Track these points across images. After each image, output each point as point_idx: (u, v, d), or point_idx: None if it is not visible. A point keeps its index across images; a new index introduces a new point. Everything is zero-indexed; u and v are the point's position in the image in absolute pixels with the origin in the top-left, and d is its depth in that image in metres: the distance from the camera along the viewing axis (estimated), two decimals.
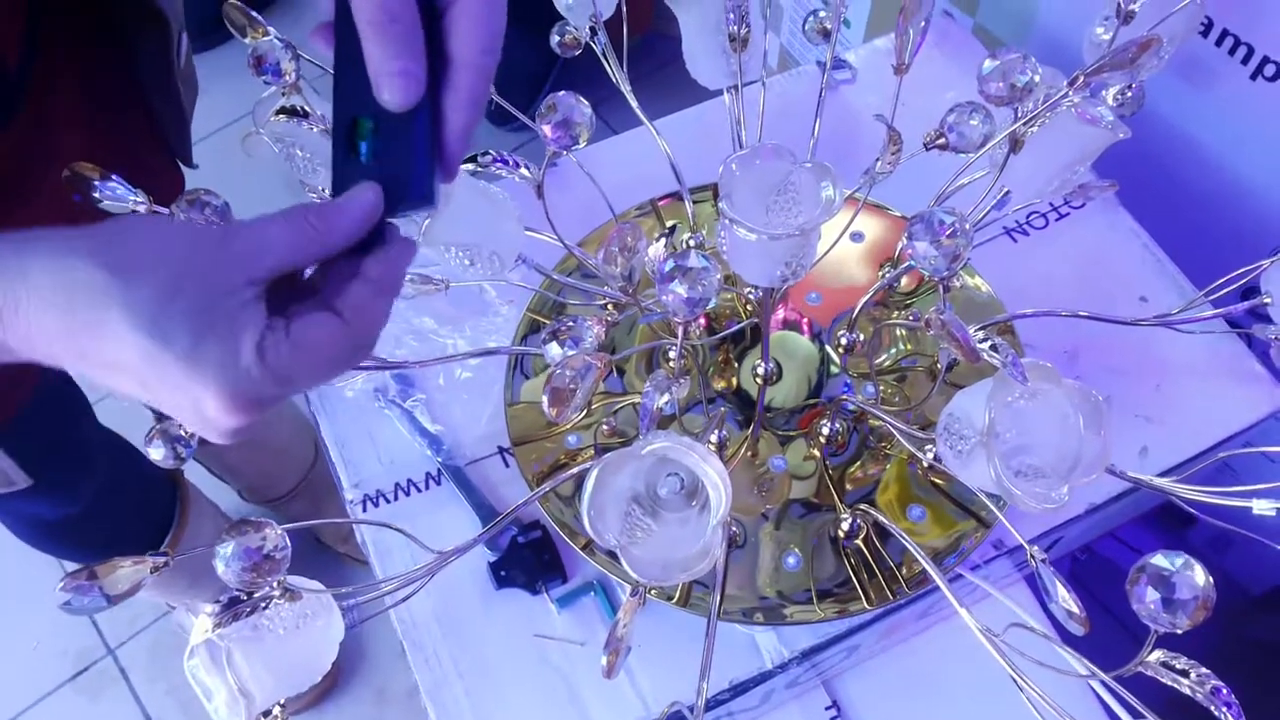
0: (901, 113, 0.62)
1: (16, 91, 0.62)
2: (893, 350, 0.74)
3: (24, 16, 0.61)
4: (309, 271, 0.43)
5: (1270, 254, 0.60)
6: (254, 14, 0.56)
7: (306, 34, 0.46)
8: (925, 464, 0.66)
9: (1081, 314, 0.66)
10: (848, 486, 0.69)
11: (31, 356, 0.39)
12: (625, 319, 0.75)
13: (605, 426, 0.71)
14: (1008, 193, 0.62)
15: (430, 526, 0.72)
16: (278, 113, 0.56)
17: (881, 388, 0.72)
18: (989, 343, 0.50)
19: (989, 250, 0.81)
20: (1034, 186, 0.60)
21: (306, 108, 0.56)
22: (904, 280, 0.75)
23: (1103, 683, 0.44)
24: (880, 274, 0.76)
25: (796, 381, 0.71)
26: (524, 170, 0.61)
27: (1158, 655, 0.42)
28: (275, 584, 0.44)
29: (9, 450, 0.79)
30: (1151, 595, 0.40)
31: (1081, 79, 0.51)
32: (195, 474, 1.25)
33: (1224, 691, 0.41)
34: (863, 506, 0.67)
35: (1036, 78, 0.54)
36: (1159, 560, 0.40)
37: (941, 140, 0.59)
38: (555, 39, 0.66)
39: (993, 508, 0.62)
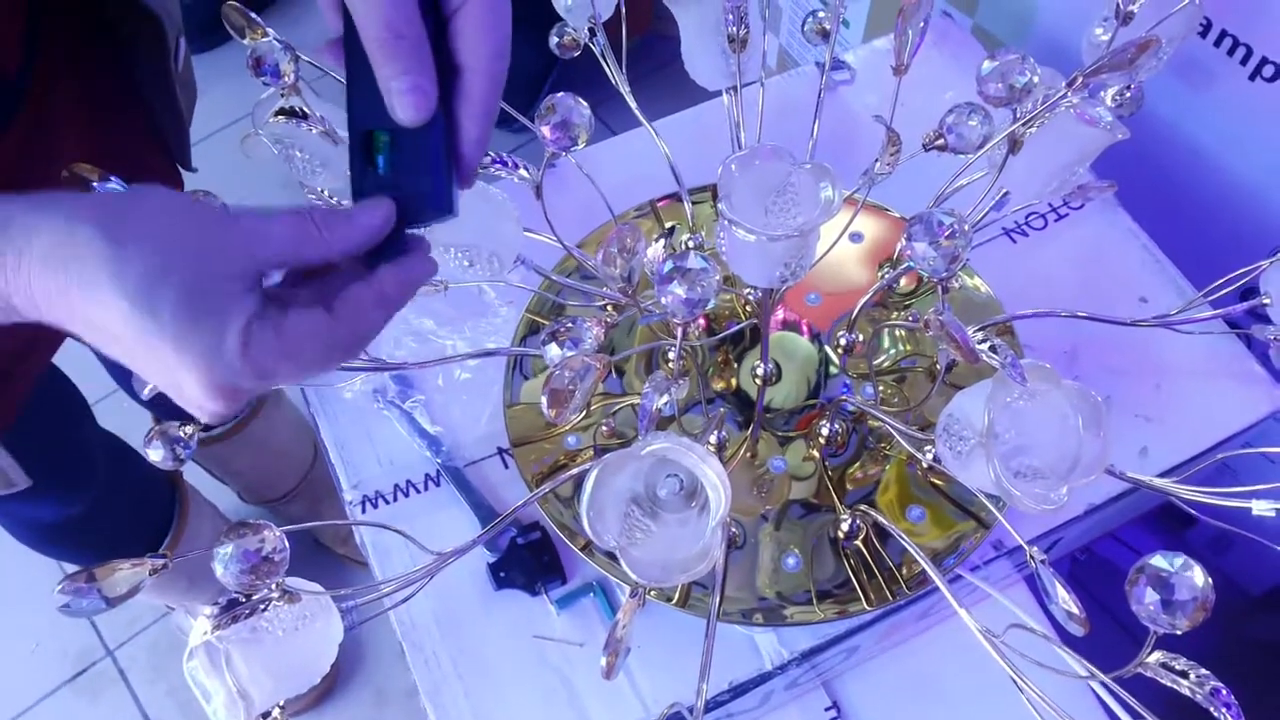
0: (900, 113, 0.62)
1: (17, 93, 0.62)
2: (892, 351, 0.74)
3: (24, 17, 0.61)
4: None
5: (1269, 254, 0.60)
6: (253, 15, 0.55)
7: (306, 35, 0.46)
8: (925, 465, 0.66)
9: (1081, 314, 0.66)
10: (847, 487, 0.69)
11: (38, 316, 0.39)
12: (624, 320, 0.75)
13: (604, 427, 0.71)
14: (1006, 193, 0.62)
15: (429, 528, 0.72)
16: (277, 114, 0.56)
17: (881, 388, 0.72)
18: (988, 343, 0.50)
19: (988, 251, 0.81)
20: (1033, 187, 0.60)
21: (305, 109, 0.56)
22: (903, 281, 0.75)
23: (1102, 683, 0.44)
24: (879, 275, 0.76)
25: (796, 382, 0.71)
26: (523, 171, 0.61)
27: (1157, 656, 0.42)
28: (274, 586, 0.44)
29: (10, 450, 0.79)
30: (1151, 596, 0.40)
31: (1080, 80, 0.51)
32: (194, 475, 1.25)
33: (1223, 692, 0.41)
34: (862, 507, 0.67)
35: (1035, 78, 0.54)
36: (1158, 561, 0.40)
37: (940, 141, 0.59)
38: (554, 40, 0.67)
39: (992, 508, 0.62)
